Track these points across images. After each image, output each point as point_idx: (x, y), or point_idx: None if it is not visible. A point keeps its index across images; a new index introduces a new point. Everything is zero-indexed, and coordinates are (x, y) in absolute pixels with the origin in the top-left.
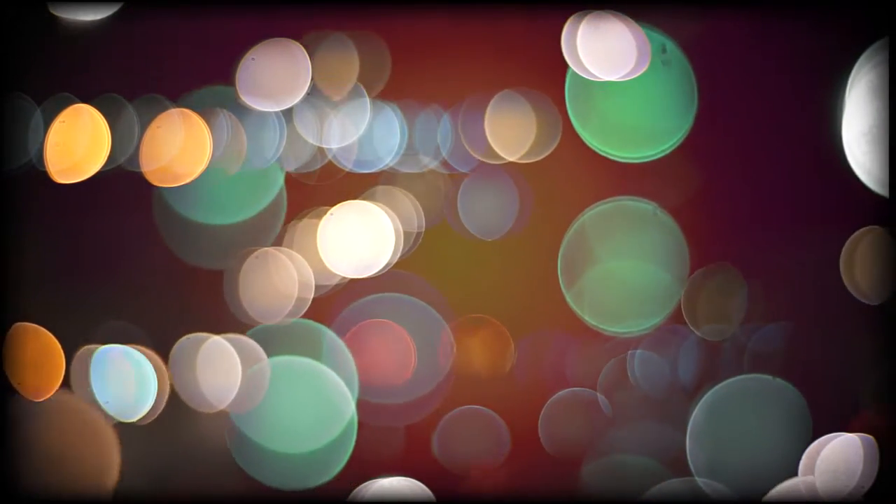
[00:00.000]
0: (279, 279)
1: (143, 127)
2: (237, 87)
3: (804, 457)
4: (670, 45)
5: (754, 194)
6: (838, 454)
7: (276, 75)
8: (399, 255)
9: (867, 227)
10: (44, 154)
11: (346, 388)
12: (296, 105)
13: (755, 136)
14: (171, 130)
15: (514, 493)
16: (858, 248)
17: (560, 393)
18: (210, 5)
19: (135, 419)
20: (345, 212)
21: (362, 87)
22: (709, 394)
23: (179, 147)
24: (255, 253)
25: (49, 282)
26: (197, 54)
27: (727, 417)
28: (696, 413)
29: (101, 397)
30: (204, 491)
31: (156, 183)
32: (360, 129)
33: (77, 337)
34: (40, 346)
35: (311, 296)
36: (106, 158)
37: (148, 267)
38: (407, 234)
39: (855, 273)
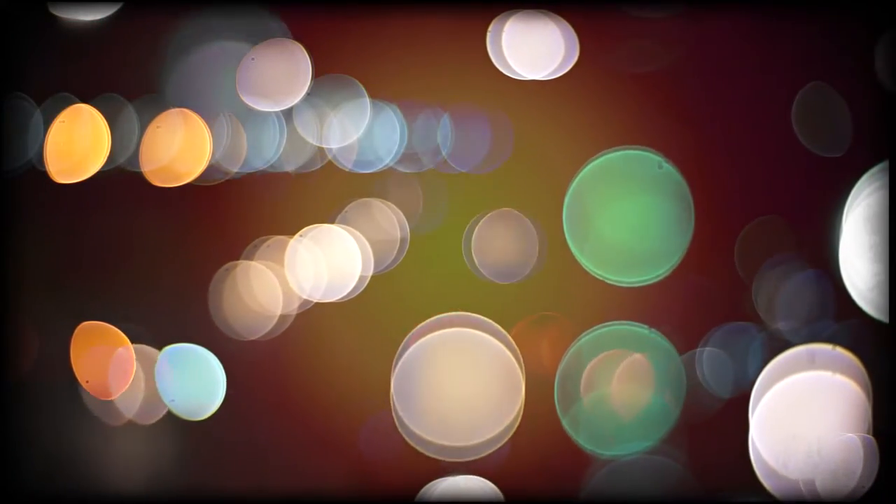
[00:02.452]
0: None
1: (143, 127)
2: (237, 87)
3: (804, 456)
4: (667, 166)
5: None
6: (838, 454)
7: (276, 75)
8: (371, 273)
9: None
10: (44, 154)
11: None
12: (296, 105)
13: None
14: (171, 130)
15: (582, 492)
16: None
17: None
18: (210, 5)
19: (202, 418)
20: (315, 234)
21: (362, 86)
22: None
23: (179, 147)
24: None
25: (49, 282)
26: (197, 54)
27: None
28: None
29: (166, 396)
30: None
31: (156, 183)
32: (360, 129)
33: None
34: (111, 344)
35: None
36: (106, 158)
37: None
38: (390, 246)
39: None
